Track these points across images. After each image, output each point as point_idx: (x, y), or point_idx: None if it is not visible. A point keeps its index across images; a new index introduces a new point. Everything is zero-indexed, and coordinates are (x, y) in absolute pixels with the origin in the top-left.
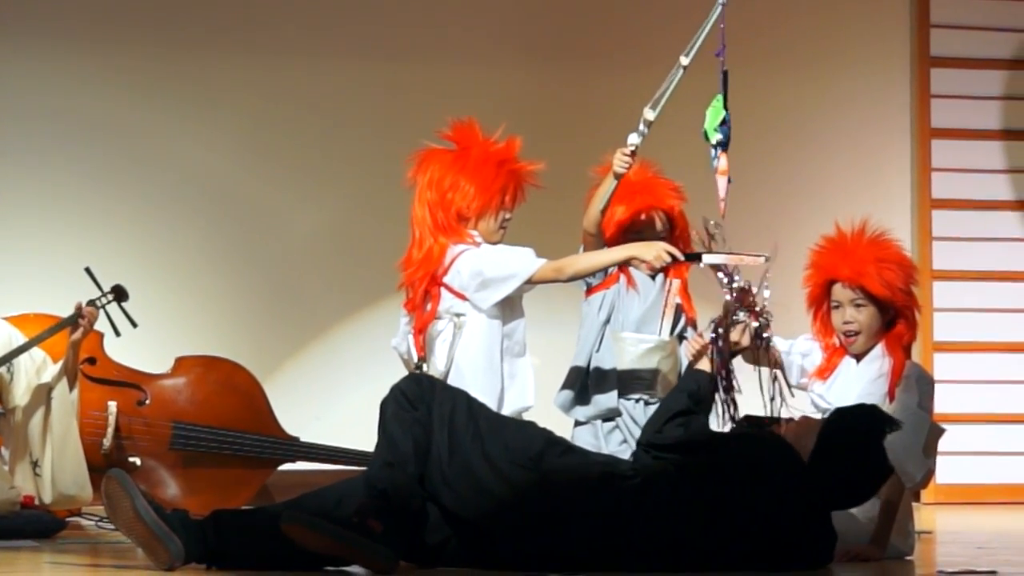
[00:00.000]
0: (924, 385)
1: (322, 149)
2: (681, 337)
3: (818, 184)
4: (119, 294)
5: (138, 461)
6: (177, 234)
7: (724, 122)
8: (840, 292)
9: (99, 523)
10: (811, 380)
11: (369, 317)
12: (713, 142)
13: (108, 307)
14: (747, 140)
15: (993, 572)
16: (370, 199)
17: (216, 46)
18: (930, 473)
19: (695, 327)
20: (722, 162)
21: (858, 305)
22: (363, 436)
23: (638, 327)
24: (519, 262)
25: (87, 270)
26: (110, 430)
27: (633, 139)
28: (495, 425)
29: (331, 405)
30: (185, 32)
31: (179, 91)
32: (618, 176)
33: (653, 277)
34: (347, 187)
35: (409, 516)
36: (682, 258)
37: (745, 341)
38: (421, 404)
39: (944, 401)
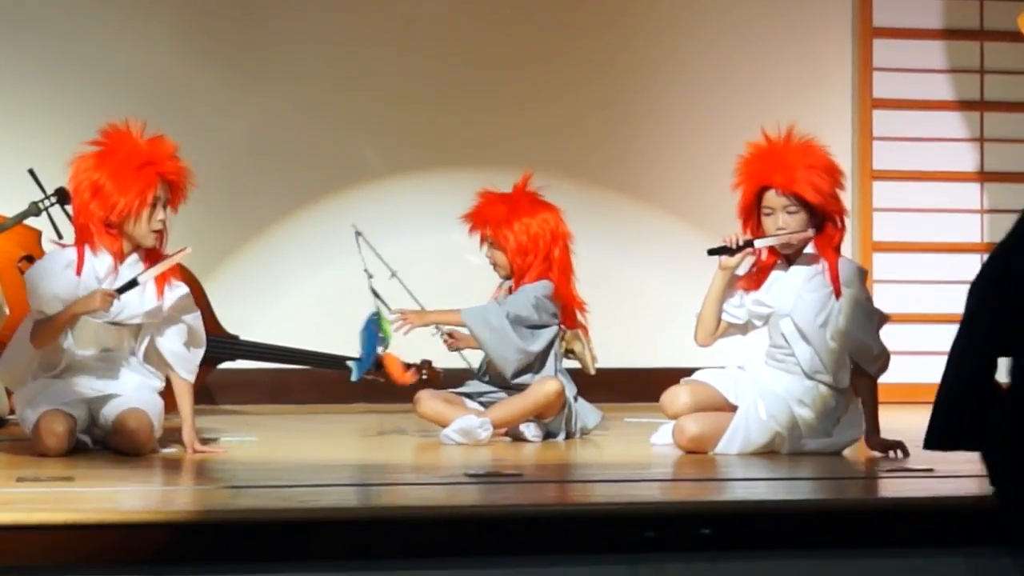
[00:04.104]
0: (862, 277)
1: (262, 45)
2: None
3: (758, 84)
4: (62, 196)
5: None
6: None
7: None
8: (773, 199)
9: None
10: (739, 292)
11: (308, 216)
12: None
13: (51, 209)
14: (685, 36)
15: (929, 469)
16: (309, 96)
17: None
18: (888, 358)
19: None
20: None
21: (790, 211)
22: (303, 334)
23: None
24: None
25: (30, 172)
26: None
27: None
28: None
29: (271, 303)
30: None
31: None
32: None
33: None
34: (286, 84)
35: None
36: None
37: None
38: None
39: (882, 301)
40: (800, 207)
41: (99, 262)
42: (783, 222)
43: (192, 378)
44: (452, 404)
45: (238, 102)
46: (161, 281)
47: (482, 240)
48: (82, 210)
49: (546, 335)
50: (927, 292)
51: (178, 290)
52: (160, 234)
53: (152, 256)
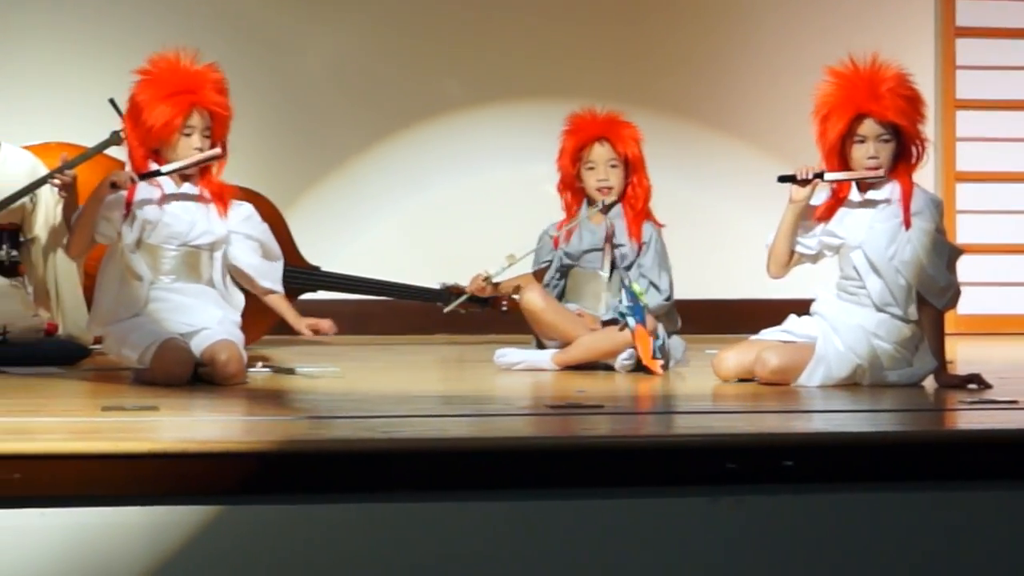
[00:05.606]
0: (936, 208)
1: None
2: None
3: (839, 10)
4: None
5: None
6: None
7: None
8: (868, 127)
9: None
10: (813, 224)
11: (389, 147)
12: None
13: None
14: None
15: (1014, 401)
16: (391, 27)
17: None
18: (957, 292)
19: None
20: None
21: (884, 140)
22: (382, 265)
23: None
24: None
25: (111, 100)
26: None
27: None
28: None
29: (352, 235)
30: None
31: None
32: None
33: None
34: (368, 13)
35: None
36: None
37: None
38: None
39: (966, 231)
40: (893, 137)
41: (153, 189)
42: (875, 151)
43: (278, 288)
44: (557, 310)
45: (317, 34)
46: (221, 201)
47: (587, 161)
48: (129, 136)
49: None
50: (1010, 222)
51: (241, 208)
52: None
53: (206, 182)
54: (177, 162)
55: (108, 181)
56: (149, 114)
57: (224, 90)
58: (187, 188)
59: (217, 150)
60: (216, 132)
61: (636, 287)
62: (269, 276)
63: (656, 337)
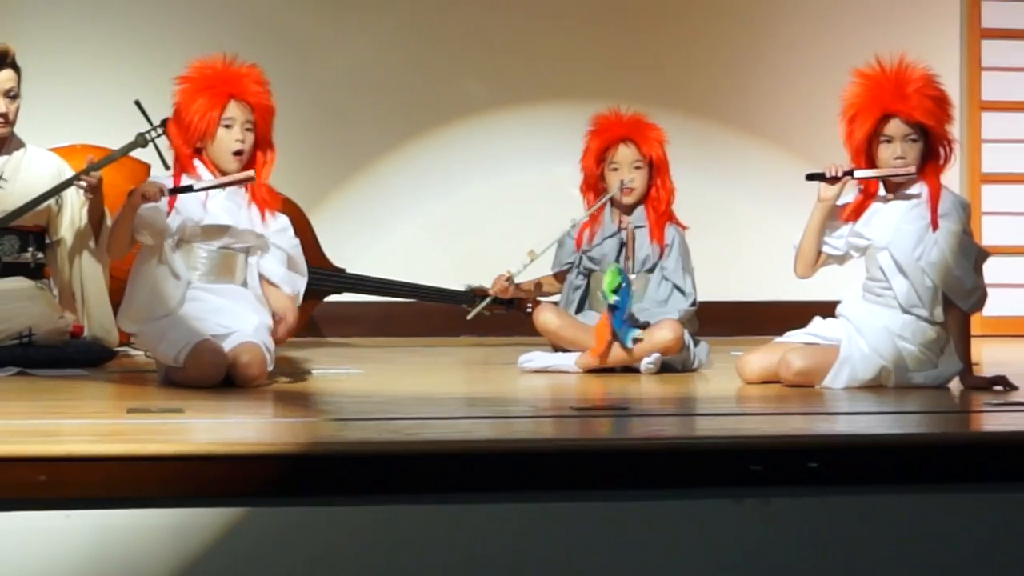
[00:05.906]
0: (963, 210)
1: None
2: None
3: (864, 12)
4: (168, 127)
5: None
6: None
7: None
8: (895, 128)
9: (148, 354)
10: (840, 224)
11: (414, 149)
12: (611, 302)
13: (157, 140)
14: None
15: None
16: (415, 30)
17: None
18: (984, 294)
19: None
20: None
21: (912, 140)
22: (407, 267)
23: None
24: None
25: (136, 103)
26: None
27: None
28: None
29: (377, 237)
30: None
31: None
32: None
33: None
34: (392, 17)
35: None
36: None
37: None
38: None
39: (991, 233)
40: (920, 137)
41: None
42: (902, 151)
43: (296, 295)
44: (573, 325)
45: (342, 38)
46: (262, 208)
47: (611, 162)
48: (173, 137)
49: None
50: None
51: (279, 220)
52: (240, 156)
53: (252, 186)
54: (211, 180)
55: (139, 192)
56: (187, 110)
57: (263, 82)
58: (232, 190)
59: (251, 172)
60: (259, 126)
61: (607, 279)
62: (292, 283)
63: (684, 344)
